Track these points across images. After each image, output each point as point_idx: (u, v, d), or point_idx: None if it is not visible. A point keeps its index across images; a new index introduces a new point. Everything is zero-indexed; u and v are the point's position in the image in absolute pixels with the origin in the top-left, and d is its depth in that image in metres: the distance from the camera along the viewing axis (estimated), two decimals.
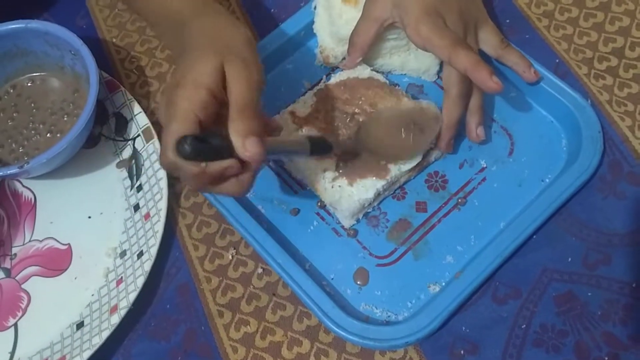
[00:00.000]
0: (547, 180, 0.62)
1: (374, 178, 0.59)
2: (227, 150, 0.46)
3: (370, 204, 0.60)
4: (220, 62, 0.49)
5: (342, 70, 0.66)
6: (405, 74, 0.69)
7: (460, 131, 0.64)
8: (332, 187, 0.59)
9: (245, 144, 0.46)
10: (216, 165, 0.46)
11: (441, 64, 0.67)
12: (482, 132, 0.62)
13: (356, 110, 0.63)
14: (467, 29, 0.60)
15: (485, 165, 0.63)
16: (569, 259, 0.59)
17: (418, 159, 0.61)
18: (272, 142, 0.50)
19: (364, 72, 0.65)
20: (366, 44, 0.63)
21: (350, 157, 0.60)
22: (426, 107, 0.61)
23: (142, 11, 0.65)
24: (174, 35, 0.57)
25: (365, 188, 0.59)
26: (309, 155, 0.55)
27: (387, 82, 0.65)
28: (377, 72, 0.66)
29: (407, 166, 0.60)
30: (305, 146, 0.54)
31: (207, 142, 0.45)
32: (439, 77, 0.68)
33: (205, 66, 0.48)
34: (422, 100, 0.63)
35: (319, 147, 0.56)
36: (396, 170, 0.60)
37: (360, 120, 0.62)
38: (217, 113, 0.49)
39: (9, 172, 0.60)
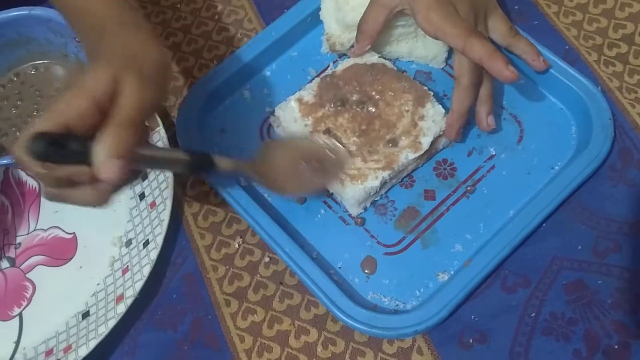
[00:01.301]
0: (557, 168, 0.61)
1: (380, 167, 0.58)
2: (84, 157, 0.43)
3: (376, 192, 0.60)
4: (114, 75, 0.45)
5: (348, 57, 0.66)
6: (413, 61, 0.68)
7: (469, 119, 0.64)
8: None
9: (105, 163, 0.42)
10: (61, 170, 0.43)
11: (449, 52, 0.66)
12: (492, 121, 0.61)
13: (363, 98, 0.62)
14: (477, 17, 0.59)
15: (494, 153, 0.62)
16: (579, 247, 0.58)
17: (307, 194, 0.60)
18: (144, 153, 0.47)
19: (371, 58, 0.64)
20: (375, 31, 0.62)
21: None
22: (336, 150, 0.59)
23: (68, 18, 0.59)
24: (90, 39, 0.53)
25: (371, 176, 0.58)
26: (189, 173, 0.53)
27: (395, 68, 0.64)
28: (385, 59, 0.65)
29: (414, 154, 0.59)
30: (184, 162, 0.51)
31: (64, 146, 0.42)
32: (447, 64, 0.67)
33: (98, 75, 0.45)
34: (335, 143, 0.60)
35: (200, 165, 0.53)
36: (403, 158, 0.59)
37: (373, 119, 0.61)
38: (96, 126, 0.44)
39: (13, 161, 0.59)
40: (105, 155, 0.42)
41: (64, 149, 0.42)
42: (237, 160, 0.57)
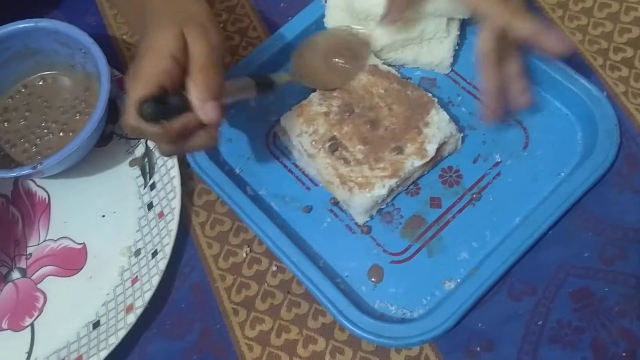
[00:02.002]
0: (563, 174, 0.61)
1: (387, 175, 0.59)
2: (186, 108, 0.49)
3: (383, 200, 0.60)
4: (180, 30, 0.51)
5: None
6: (417, 68, 0.68)
7: (474, 125, 0.64)
8: (345, 183, 0.59)
9: (204, 107, 0.49)
10: (176, 122, 0.49)
11: (454, 57, 0.66)
12: (530, 96, 0.60)
13: (367, 106, 0.62)
14: None
15: (499, 160, 0.62)
16: (585, 255, 0.58)
17: (347, 82, 0.63)
18: (227, 90, 0.53)
19: (381, 67, 0.64)
20: None
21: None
22: (357, 33, 0.64)
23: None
24: (135, 14, 0.59)
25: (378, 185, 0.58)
26: (255, 95, 0.59)
27: (399, 75, 0.64)
28: (390, 66, 0.65)
29: (419, 161, 0.60)
30: (251, 87, 0.57)
31: (167, 103, 0.48)
32: (452, 69, 0.67)
33: (167, 35, 0.50)
34: (354, 27, 0.65)
35: (264, 85, 0.59)
36: (409, 165, 0.59)
37: (378, 127, 0.62)
38: (181, 81, 0.50)
39: (22, 172, 0.60)
40: (200, 99, 0.49)
41: (168, 105, 0.48)
42: (286, 74, 0.63)
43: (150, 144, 0.66)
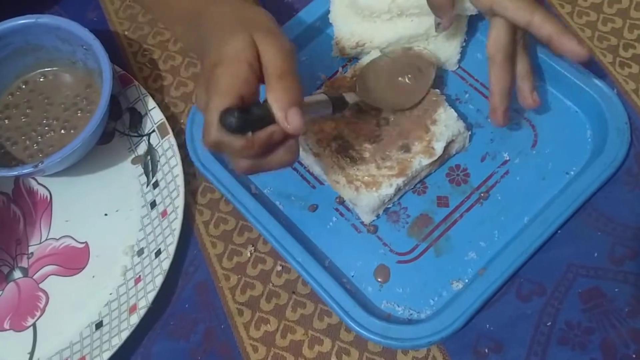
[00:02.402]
0: (572, 173, 0.60)
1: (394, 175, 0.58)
2: (269, 120, 0.46)
3: (390, 199, 0.59)
4: (251, 37, 0.48)
5: (358, 61, 0.65)
6: None
7: (482, 122, 0.63)
8: (351, 182, 0.58)
9: (287, 116, 0.45)
10: (262, 133, 0.46)
11: (462, 54, 0.65)
12: (537, 96, 0.59)
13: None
14: None
15: (508, 158, 0.61)
16: (595, 254, 0.57)
17: (416, 101, 0.61)
18: (305, 107, 0.49)
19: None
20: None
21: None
22: (420, 52, 0.62)
23: (154, 10, 0.63)
24: (190, 28, 0.55)
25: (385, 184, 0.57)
26: (330, 113, 0.56)
27: None
28: None
29: (427, 160, 0.59)
30: (328, 104, 0.55)
31: (250, 113, 0.45)
32: (459, 66, 0.66)
33: (239, 42, 0.47)
34: (415, 47, 0.63)
35: (338, 104, 0.56)
36: (417, 164, 0.58)
37: (385, 125, 0.61)
38: (257, 91, 0.48)
39: (23, 171, 0.59)
40: (283, 106, 0.45)
41: (252, 116, 0.45)
42: (354, 94, 0.60)
43: (153, 141, 0.65)
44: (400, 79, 0.61)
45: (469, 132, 0.62)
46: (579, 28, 0.67)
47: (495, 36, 0.57)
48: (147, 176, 0.64)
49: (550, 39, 0.54)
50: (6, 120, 0.66)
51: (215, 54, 0.48)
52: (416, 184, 0.61)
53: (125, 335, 0.56)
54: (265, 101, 0.46)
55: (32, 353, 0.59)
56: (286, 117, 0.45)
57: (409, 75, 0.61)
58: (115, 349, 0.55)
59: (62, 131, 0.65)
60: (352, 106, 0.60)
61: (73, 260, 0.62)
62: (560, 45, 0.53)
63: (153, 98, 0.66)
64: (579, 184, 0.58)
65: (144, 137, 0.66)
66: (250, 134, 0.45)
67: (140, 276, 0.59)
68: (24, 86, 0.68)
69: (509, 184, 0.60)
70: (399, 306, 0.57)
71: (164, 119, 0.65)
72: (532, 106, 0.59)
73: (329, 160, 0.59)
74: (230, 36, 0.48)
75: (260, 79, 0.48)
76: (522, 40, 0.58)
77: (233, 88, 0.45)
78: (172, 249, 0.58)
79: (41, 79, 0.68)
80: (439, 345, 0.55)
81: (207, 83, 0.47)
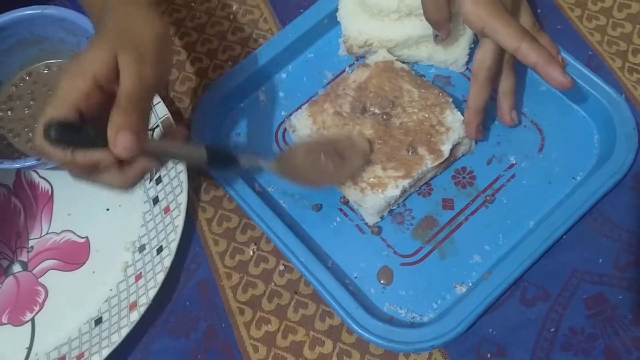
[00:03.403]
0: (579, 177, 0.60)
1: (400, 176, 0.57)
2: (101, 141, 0.45)
3: (395, 201, 0.59)
4: (113, 52, 0.46)
5: (366, 60, 0.64)
6: (432, 65, 0.66)
7: (488, 125, 0.63)
8: (357, 183, 0.57)
9: (116, 138, 0.44)
10: (85, 155, 0.45)
11: (470, 55, 0.65)
12: (515, 115, 0.61)
13: (381, 104, 0.61)
14: (513, 10, 0.58)
15: (514, 162, 0.61)
16: (600, 260, 0.57)
17: (334, 184, 0.60)
18: (160, 144, 0.49)
19: (395, 64, 0.63)
20: (444, 14, 0.58)
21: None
22: (354, 140, 0.59)
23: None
24: (96, 18, 0.54)
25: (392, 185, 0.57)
26: (207, 167, 0.54)
27: (414, 72, 0.63)
28: (403, 62, 0.64)
29: (433, 162, 0.58)
30: (201, 156, 0.52)
31: (81, 130, 0.44)
32: (467, 68, 0.66)
33: (95, 55, 0.46)
34: (353, 135, 0.60)
35: (219, 160, 0.54)
36: (423, 166, 0.58)
37: (391, 125, 0.60)
38: (104, 105, 0.46)
39: (26, 164, 0.58)
40: (113, 130, 0.44)
41: (79, 134, 0.44)
42: (258, 159, 0.57)
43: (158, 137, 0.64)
44: (320, 159, 0.57)
45: None
46: (588, 32, 0.66)
47: (482, 56, 0.57)
48: (150, 171, 0.64)
49: (535, 67, 0.54)
50: (9, 112, 0.66)
51: (73, 62, 0.47)
52: (421, 186, 0.61)
53: (125, 332, 0.55)
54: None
55: (30, 348, 0.58)
56: (115, 138, 0.44)
57: (329, 157, 0.57)
58: (114, 345, 0.55)
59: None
60: (355, 107, 0.60)
61: (73, 255, 0.62)
62: (544, 73, 0.54)
63: (158, 93, 0.66)
64: (585, 189, 0.57)
65: (148, 132, 0.65)
66: (69, 150, 0.45)
67: (141, 273, 0.59)
68: (27, 77, 0.67)
69: (514, 188, 0.60)
70: (401, 309, 0.56)
71: (169, 114, 0.64)
72: (509, 124, 0.61)
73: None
74: (92, 46, 0.47)
75: (109, 99, 0.46)
76: (510, 60, 0.59)
77: (69, 99, 0.45)
78: (174, 246, 0.58)
79: (45, 71, 0.68)
80: (441, 349, 0.55)
81: (54, 87, 0.47)
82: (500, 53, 0.57)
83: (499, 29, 0.54)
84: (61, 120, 0.44)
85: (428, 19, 0.59)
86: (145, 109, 0.47)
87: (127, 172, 0.48)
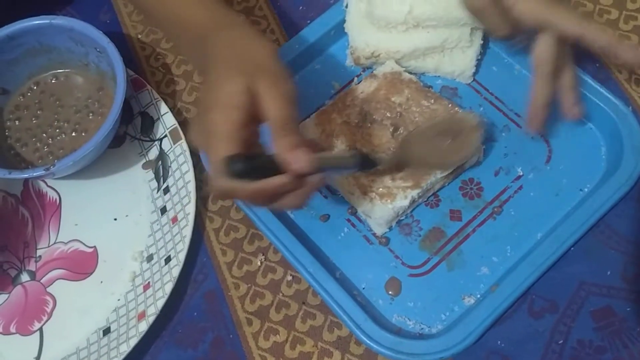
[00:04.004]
0: (586, 189, 0.60)
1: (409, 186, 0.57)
2: (276, 166, 0.45)
3: (404, 211, 0.59)
4: (250, 80, 0.47)
5: (373, 71, 0.65)
6: (439, 76, 0.67)
7: (496, 137, 0.63)
8: (365, 194, 0.57)
9: (294, 156, 0.45)
10: (272, 182, 0.46)
11: (477, 67, 0.65)
12: (580, 110, 0.60)
13: (388, 115, 0.61)
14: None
15: (521, 173, 0.61)
16: (608, 273, 0.57)
17: (458, 163, 0.59)
18: (321, 157, 0.48)
19: (402, 75, 0.63)
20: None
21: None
22: (464, 116, 0.59)
23: (154, 17, 0.61)
24: (193, 47, 0.54)
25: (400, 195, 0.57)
26: (356, 170, 0.55)
27: (421, 83, 0.63)
28: (410, 73, 0.64)
29: (442, 172, 0.58)
30: (354, 160, 0.53)
31: (256, 159, 0.45)
32: (474, 79, 0.66)
33: (235, 86, 0.47)
34: (460, 110, 0.61)
35: (366, 162, 0.55)
36: (432, 176, 0.58)
37: (399, 136, 0.60)
38: (254, 135, 0.48)
39: (34, 174, 0.59)
40: (287, 151, 0.45)
41: (257, 162, 0.46)
42: (390, 157, 0.58)
43: (165, 146, 0.64)
44: (440, 141, 0.57)
45: (483, 146, 0.61)
46: None
47: (543, 49, 0.57)
48: (158, 181, 0.64)
49: (604, 50, 0.54)
50: (17, 122, 0.66)
51: (210, 97, 0.48)
52: (429, 197, 0.61)
53: (133, 342, 0.55)
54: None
55: (38, 358, 0.58)
56: (293, 157, 0.45)
57: (448, 138, 0.57)
58: (123, 356, 0.55)
59: (73, 134, 0.65)
60: (362, 117, 0.60)
61: (81, 265, 0.62)
62: (617, 53, 0.54)
63: (165, 103, 0.66)
64: (593, 201, 0.58)
65: (156, 142, 0.65)
66: (259, 181, 0.45)
67: (149, 282, 0.59)
68: (35, 87, 0.68)
69: (522, 200, 0.60)
70: (409, 320, 0.56)
71: (177, 124, 0.64)
72: (576, 117, 0.60)
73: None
74: (227, 79, 0.47)
75: (259, 120, 0.48)
76: (569, 52, 0.58)
77: (233, 133, 0.45)
78: (182, 256, 0.58)
79: (53, 80, 0.68)
80: None
81: (205, 124, 0.47)
82: (560, 45, 0.57)
83: (560, 18, 0.54)
84: (239, 154, 0.44)
85: (490, 32, 0.59)
86: (297, 126, 0.48)
87: (303, 191, 0.48)
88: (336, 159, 0.54)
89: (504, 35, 0.57)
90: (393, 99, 0.62)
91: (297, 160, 0.45)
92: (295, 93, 0.49)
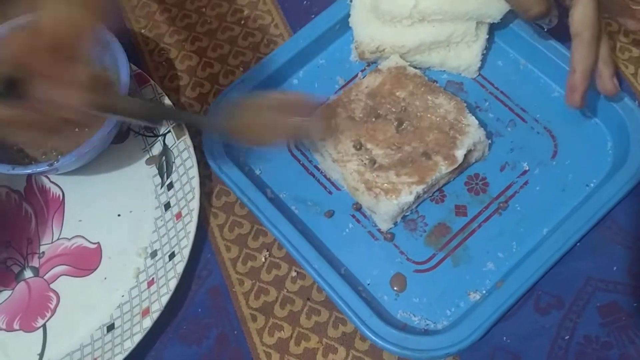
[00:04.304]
0: (592, 185, 0.59)
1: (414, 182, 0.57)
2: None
3: (409, 207, 0.58)
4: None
5: (378, 66, 0.64)
6: (444, 71, 0.66)
7: (501, 132, 0.62)
8: (370, 189, 0.57)
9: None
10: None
11: (483, 61, 0.65)
12: (617, 84, 0.57)
13: (394, 110, 0.61)
14: None
15: (527, 168, 0.61)
16: (614, 268, 0.57)
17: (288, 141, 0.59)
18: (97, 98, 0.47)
19: (407, 69, 0.63)
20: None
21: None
22: (305, 96, 0.59)
23: None
24: None
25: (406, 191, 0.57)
26: (148, 123, 0.55)
27: (426, 78, 0.63)
28: (416, 68, 0.64)
29: (447, 167, 0.58)
30: (143, 113, 0.52)
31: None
32: (479, 74, 0.65)
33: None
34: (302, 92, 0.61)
35: (159, 115, 0.55)
36: (437, 171, 0.58)
37: (404, 131, 0.60)
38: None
39: (38, 169, 0.58)
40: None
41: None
42: (204, 118, 0.58)
43: (168, 142, 0.64)
44: (269, 114, 0.55)
45: (489, 141, 0.61)
46: None
47: (583, 12, 0.55)
48: (162, 177, 0.63)
49: None
50: None
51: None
52: (434, 192, 0.60)
53: (137, 338, 0.55)
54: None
55: (41, 354, 0.58)
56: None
57: (278, 113, 0.55)
58: (127, 352, 0.55)
59: (76, 129, 0.64)
60: (367, 112, 0.60)
61: (85, 261, 0.61)
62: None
63: (169, 98, 0.65)
64: (599, 197, 0.57)
65: (159, 138, 0.65)
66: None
67: (153, 279, 0.58)
68: None
69: (528, 195, 0.60)
70: (415, 316, 0.56)
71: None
72: (613, 92, 0.58)
73: (348, 167, 0.58)
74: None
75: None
76: (603, 23, 0.56)
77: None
78: (186, 252, 0.58)
79: None
80: (455, 357, 0.55)
81: None
82: (599, 8, 0.55)
83: None
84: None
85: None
86: (71, 49, 0.47)
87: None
88: (116, 104, 0.52)
89: (539, 12, 0.56)
90: (398, 93, 0.62)
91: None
92: (77, 24, 0.47)
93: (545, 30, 0.60)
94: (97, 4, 0.49)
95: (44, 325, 0.59)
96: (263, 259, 0.60)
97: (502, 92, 0.64)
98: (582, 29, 0.55)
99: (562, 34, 0.63)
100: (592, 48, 0.55)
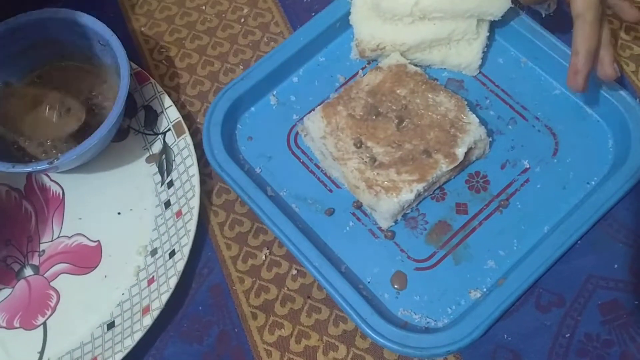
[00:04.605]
0: (593, 182, 0.59)
1: (415, 180, 0.57)
2: None
3: (409, 205, 0.58)
4: None
5: (378, 64, 0.64)
6: (445, 69, 0.66)
7: (502, 129, 0.62)
8: (371, 187, 0.57)
9: None
10: None
11: (483, 59, 0.65)
12: (617, 69, 0.57)
13: (394, 108, 0.61)
14: None
15: (528, 166, 0.61)
16: (615, 266, 0.57)
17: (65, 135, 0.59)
18: None
19: (408, 67, 0.63)
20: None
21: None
22: (74, 103, 0.59)
23: None
24: None
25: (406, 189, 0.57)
26: None
27: (427, 76, 0.63)
28: (416, 66, 0.64)
29: (448, 165, 0.58)
30: None
31: None
32: (480, 72, 0.65)
33: None
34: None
35: None
36: (437, 169, 0.57)
37: (404, 129, 0.59)
38: None
39: (38, 167, 0.58)
40: None
41: None
42: None
43: (169, 140, 0.64)
44: (44, 111, 0.57)
45: (490, 139, 0.61)
46: None
47: None
48: (162, 175, 0.63)
49: None
50: None
51: None
52: (435, 190, 0.60)
53: (138, 336, 0.55)
54: None
55: (42, 352, 0.58)
56: None
57: (54, 110, 0.57)
58: (127, 350, 0.54)
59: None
60: (368, 110, 0.59)
61: (85, 259, 0.61)
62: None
63: (169, 96, 0.65)
64: (600, 194, 0.57)
65: (159, 136, 0.65)
66: None
67: (153, 277, 0.58)
68: (38, 80, 0.67)
69: (529, 193, 0.60)
70: (416, 314, 0.56)
71: (180, 118, 0.64)
72: (613, 77, 0.57)
73: (349, 165, 0.58)
74: None
75: None
76: (605, 4, 0.56)
77: None
78: (186, 250, 0.58)
79: (56, 73, 0.67)
80: (456, 355, 0.54)
81: None
82: None
83: None
84: None
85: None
86: None
87: None
88: None
89: None
90: (398, 91, 0.61)
91: None
92: None
93: (544, 16, 0.60)
94: None
95: (44, 323, 0.59)
96: (263, 257, 0.60)
97: (502, 89, 0.64)
98: (585, 9, 0.54)
99: (561, 28, 0.63)
100: (595, 29, 0.55)
